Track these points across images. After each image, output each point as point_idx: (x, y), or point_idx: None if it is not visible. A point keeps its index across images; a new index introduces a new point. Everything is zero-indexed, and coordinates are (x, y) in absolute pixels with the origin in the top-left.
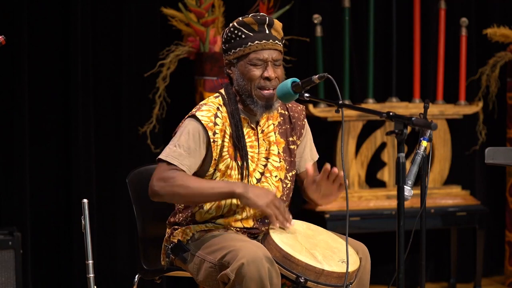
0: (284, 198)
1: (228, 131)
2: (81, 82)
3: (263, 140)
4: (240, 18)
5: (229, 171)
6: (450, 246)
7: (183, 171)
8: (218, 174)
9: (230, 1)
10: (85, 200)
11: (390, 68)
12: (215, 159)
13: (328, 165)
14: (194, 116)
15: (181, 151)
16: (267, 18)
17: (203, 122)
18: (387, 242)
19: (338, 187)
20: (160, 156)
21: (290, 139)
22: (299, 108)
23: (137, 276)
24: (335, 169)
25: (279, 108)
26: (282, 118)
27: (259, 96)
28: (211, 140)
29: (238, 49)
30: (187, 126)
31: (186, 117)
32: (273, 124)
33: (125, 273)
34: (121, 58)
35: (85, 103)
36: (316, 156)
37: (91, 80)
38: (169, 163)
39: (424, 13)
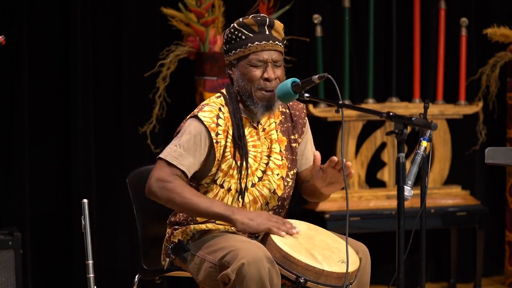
0: (285, 196)
1: (230, 131)
2: (81, 82)
3: (265, 138)
4: (241, 19)
5: (231, 171)
6: (450, 246)
7: (182, 171)
8: (220, 174)
9: (230, 1)
10: (85, 200)
11: (390, 68)
12: (218, 160)
13: (335, 158)
14: (196, 117)
15: (181, 151)
16: (268, 19)
17: (205, 123)
18: (387, 242)
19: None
20: (160, 155)
21: (292, 137)
22: (300, 106)
23: (137, 276)
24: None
25: (280, 106)
26: (283, 117)
27: (259, 96)
28: (214, 141)
29: (238, 50)
30: (189, 127)
31: (188, 117)
32: (275, 123)
33: (125, 273)
34: (121, 58)
35: (85, 103)
36: None
37: (91, 80)
38: (169, 163)
39: (424, 13)
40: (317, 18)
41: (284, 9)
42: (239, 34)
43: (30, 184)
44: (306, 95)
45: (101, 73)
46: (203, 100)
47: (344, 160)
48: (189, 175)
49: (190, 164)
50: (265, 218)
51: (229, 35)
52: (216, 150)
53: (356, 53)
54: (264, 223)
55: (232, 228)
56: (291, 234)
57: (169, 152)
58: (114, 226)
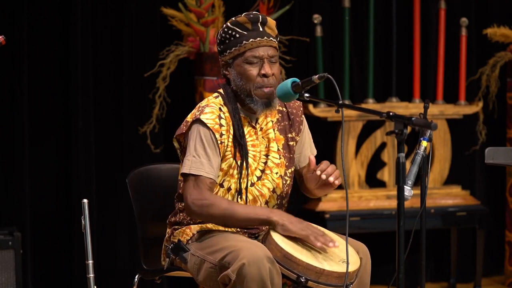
0: (284, 195)
1: (231, 130)
2: (81, 82)
3: (262, 137)
4: (233, 18)
5: (231, 171)
6: (450, 246)
7: (210, 179)
8: (220, 173)
9: (230, 1)
10: (85, 200)
11: (390, 68)
12: (220, 161)
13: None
14: (199, 121)
15: (202, 159)
16: (260, 16)
17: (209, 125)
18: (387, 242)
19: (335, 178)
20: (183, 171)
21: (289, 135)
22: (297, 104)
23: (137, 276)
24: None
25: (277, 105)
26: (280, 115)
27: (259, 94)
28: (219, 141)
29: (233, 48)
30: (198, 133)
31: (189, 120)
32: (272, 121)
33: (125, 273)
34: (121, 58)
35: (85, 103)
36: (315, 151)
37: (91, 80)
38: (195, 176)
39: (424, 13)
40: (317, 18)
41: (284, 9)
42: (233, 33)
43: (30, 184)
44: (306, 95)
45: (101, 73)
46: (203, 100)
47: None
48: (217, 179)
49: (214, 168)
50: (305, 225)
51: (223, 34)
52: (220, 150)
53: (356, 53)
54: (304, 229)
55: (233, 229)
56: (326, 246)
57: (190, 165)
58: (114, 226)
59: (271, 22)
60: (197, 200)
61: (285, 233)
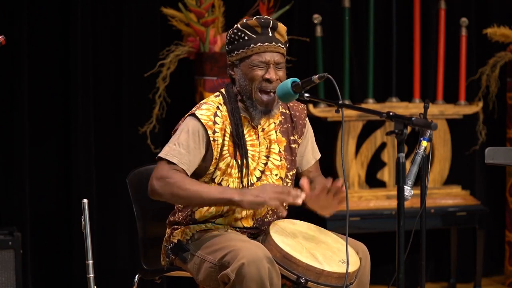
0: None
1: (228, 129)
2: (81, 82)
3: (264, 138)
4: (244, 20)
5: (229, 170)
6: (450, 246)
7: (183, 169)
8: (218, 172)
9: (230, 1)
10: (85, 200)
11: (390, 68)
12: (216, 158)
13: (329, 182)
14: (193, 115)
15: (180, 149)
16: (271, 21)
17: (202, 121)
18: (387, 242)
19: (339, 201)
20: (160, 154)
21: (292, 138)
22: (300, 107)
23: (137, 276)
24: (337, 183)
25: (280, 107)
26: (283, 117)
27: (259, 100)
28: (211, 139)
29: (241, 50)
30: (187, 125)
31: (186, 115)
32: (274, 123)
33: (125, 273)
34: (121, 58)
35: (85, 103)
36: (318, 155)
37: (91, 80)
38: (169, 162)
39: (424, 13)
40: (317, 18)
41: (284, 9)
42: (242, 35)
43: (30, 184)
44: (306, 95)
45: (101, 73)
46: (203, 100)
47: (339, 183)
48: (189, 173)
49: (189, 162)
50: (270, 191)
51: (232, 35)
52: (213, 148)
53: (356, 53)
54: (271, 197)
55: (232, 228)
56: (296, 204)
57: (168, 151)
58: (114, 226)
59: (282, 28)
60: (161, 178)
61: (255, 208)
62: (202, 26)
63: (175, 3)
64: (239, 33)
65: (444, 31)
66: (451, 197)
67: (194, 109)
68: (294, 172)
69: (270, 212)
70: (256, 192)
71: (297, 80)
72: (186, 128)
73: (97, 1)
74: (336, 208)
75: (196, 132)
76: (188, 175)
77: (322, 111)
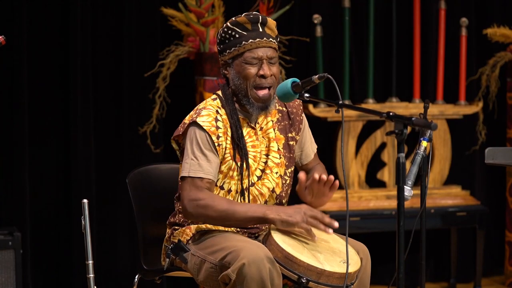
0: (283, 194)
1: (229, 132)
2: (81, 82)
3: (262, 137)
4: (233, 18)
5: (231, 172)
6: (450, 246)
7: (210, 180)
8: (220, 176)
9: (230, 1)
10: (85, 200)
11: (390, 68)
12: (219, 162)
13: (316, 176)
14: (195, 123)
15: (198, 161)
16: (260, 16)
17: (205, 128)
18: (387, 242)
19: (330, 188)
20: (182, 174)
21: (290, 135)
22: (296, 103)
23: (137, 276)
24: (324, 177)
25: (276, 104)
26: (280, 115)
27: (254, 97)
28: (216, 144)
29: (232, 49)
30: (193, 136)
31: (186, 122)
32: (272, 121)
33: (125, 273)
34: (121, 58)
35: (85, 103)
36: (315, 147)
37: (91, 80)
38: (193, 178)
39: (424, 13)
40: (317, 18)
41: (284, 9)
42: (233, 33)
43: (30, 184)
44: (306, 95)
45: (101, 73)
46: (203, 100)
47: (325, 177)
48: (215, 179)
49: (213, 169)
50: (304, 214)
51: (223, 34)
52: (218, 152)
53: (356, 53)
54: (303, 220)
55: (232, 228)
56: (334, 227)
57: (189, 168)
58: (114, 226)
59: (271, 22)
60: (193, 201)
61: (286, 228)
62: (202, 26)
63: (175, 3)
64: (230, 32)
65: (444, 31)
66: (451, 197)
67: (194, 115)
68: (292, 169)
69: None
70: (291, 212)
71: (297, 80)
72: (195, 139)
73: (97, 1)
74: (329, 197)
75: (204, 140)
76: (215, 182)
77: (322, 111)
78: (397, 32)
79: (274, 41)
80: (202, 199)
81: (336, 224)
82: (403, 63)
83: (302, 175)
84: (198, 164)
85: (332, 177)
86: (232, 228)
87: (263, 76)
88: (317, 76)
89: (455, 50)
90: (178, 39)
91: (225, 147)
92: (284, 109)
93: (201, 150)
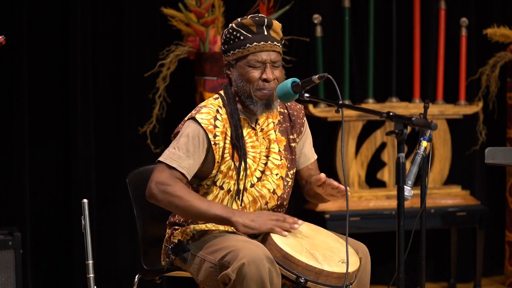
0: (285, 196)
1: (229, 132)
2: (81, 82)
3: (263, 138)
4: (239, 20)
5: (230, 172)
6: (450, 246)
7: (182, 173)
8: (220, 175)
9: (230, 1)
10: (85, 200)
11: (390, 68)
12: (217, 162)
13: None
14: (194, 119)
15: (180, 153)
16: (266, 19)
17: (202, 125)
18: (387, 242)
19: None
20: (160, 158)
21: (291, 137)
22: (298, 106)
23: (137, 276)
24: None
25: (278, 107)
26: (282, 117)
27: (259, 96)
28: (212, 142)
29: (236, 50)
30: (187, 129)
31: (186, 119)
32: (273, 123)
33: (125, 273)
34: (121, 58)
35: (85, 103)
36: (315, 156)
37: (91, 80)
38: (168, 165)
39: (424, 13)
40: (317, 18)
41: (284, 9)
42: (238, 35)
43: (30, 184)
44: (306, 95)
45: (101, 73)
46: (203, 100)
47: (341, 186)
48: (189, 177)
49: (189, 166)
50: (266, 218)
51: (228, 35)
52: (214, 152)
53: (356, 53)
54: (266, 223)
55: (232, 228)
56: (293, 229)
57: (168, 155)
58: (114, 226)
59: (277, 25)
60: (161, 184)
61: (250, 233)
62: (202, 26)
63: (175, 3)
64: (235, 33)
65: (444, 31)
66: (451, 197)
67: (194, 112)
68: (294, 171)
69: (270, 211)
70: (253, 217)
71: (297, 80)
72: (186, 132)
73: (97, 1)
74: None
75: (196, 136)
76: (188, 179)
77: (322, 111)
78: (397, 32)
79: (279, 44)
80: (171, 185)
81: (300, 221)
82: (403, 63)
83: (322, 176)
84: (178, 155)
85: (343, 187)
86: (232, 228)
87: (266, 80)
88: (317, 76)
89: (455, 50)
90: (178, 39)
91: (224, 147)
92: (285, 111)
93: (187, 144)
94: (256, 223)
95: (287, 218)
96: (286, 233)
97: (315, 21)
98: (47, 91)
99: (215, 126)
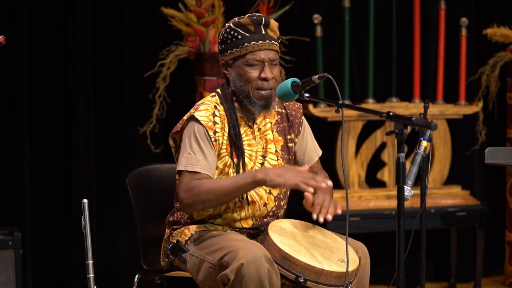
0: (281, 196)
1: (226, 129)
2: (81, 82)
3: (260, 138)
4: (236, 19)
5: (226, 169)
6: (450, 246)
7: (207, 175)
8: (216, 172)
9: (230, 1)
10: (85, 200)
11: (390, 68)
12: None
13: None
14: (193, 118)
15: (197, 156)
16: (263, 18)
17: (203, 122)
18: (387, 242)
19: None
20: (179, 168)
21: (288, 137)
22: (296, 106)
23: (137, 276)
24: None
25: (276, 106)
26: (279, 117)
27: (257, 96)
28: (213, 139)
29: (234, 50)
30: (191, 131)
31: (185, 118)
32: (271, 123)
33: (125, 273)
34: (121, 58)
35: (85, 103)
36: (320, 151)
37: (91, 80)
38: (190, 172)
39: (424, 13)
40: (317, 18)
41: (284, 9)
42: (235, 34)
43: (30, 184)
44: (306, 95)
45: (101, 73)
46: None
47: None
48: (213, 176)
49: (210, 165)
50: (294, 173)
51: (225, 35)
52: (215, 148)
53: (356, 53)
54: (292, 179)
55: (231, 228)
56: (321, 188)
57: (186, 162)
58: (114, 226)
59: (274, 24)
60: (188, 191)
61: (277, 187)
62: (202, 26)
63: (175, 3)
64: (232, 32)
65: (444, 31)
66: (451, 197)
67: (192, 111)
68: None
69: (270, 214)
70: (280, 172)
71: (297, 80)
72: (193, 133)
73: (97, 1)
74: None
75: (202, 134)
76: (211, 178)
77: (322, 111)
78: (397, 32)
79: (276, 43)
80: (195, 187)
81: (330, 183)
82: (403, 63)
83: (308, 195)
84: (196, 158)
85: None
86: (231, 229)
87: (264, 79)
88: (317, 76)
89: (455, 50)
90: (178, 39)
91: (222, 143)
92: (283, 111)
93: (199, 145)
94: (282, 178)
95: (316, 177)
96: (311, 189)
97: (315, 21)
98: (47, 91)
99: (215, 123)
